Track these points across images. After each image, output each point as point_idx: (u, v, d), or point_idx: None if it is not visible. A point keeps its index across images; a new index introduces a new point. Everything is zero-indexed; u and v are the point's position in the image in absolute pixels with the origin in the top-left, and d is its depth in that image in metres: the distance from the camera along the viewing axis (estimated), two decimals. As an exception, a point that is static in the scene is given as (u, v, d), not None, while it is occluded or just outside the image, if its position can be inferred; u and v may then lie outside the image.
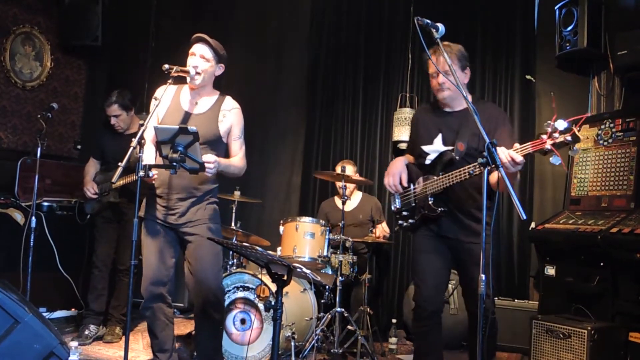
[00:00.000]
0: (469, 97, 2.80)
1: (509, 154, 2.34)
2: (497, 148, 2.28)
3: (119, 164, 2.58)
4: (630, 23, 3.93)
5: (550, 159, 2.25)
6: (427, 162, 2.87)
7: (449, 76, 2.64)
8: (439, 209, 2.78)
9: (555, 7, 4.32)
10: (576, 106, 4.41)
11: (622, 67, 4.01)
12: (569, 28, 4.16)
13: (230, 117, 2.99)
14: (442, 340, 2.89)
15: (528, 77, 4.64)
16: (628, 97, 4.10)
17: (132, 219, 3.82)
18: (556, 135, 2.25)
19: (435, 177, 2.79)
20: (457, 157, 2.73)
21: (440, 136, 2.84)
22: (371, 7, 5.45)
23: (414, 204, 2.92)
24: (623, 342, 3.24)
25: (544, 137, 2.28)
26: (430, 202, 2.80)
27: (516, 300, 4.23)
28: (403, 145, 4.95)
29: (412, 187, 2.94)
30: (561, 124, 2.22)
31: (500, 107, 2.82)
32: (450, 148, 2.78)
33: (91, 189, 4.17)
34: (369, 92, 5.42)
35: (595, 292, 3.46)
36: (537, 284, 4.27)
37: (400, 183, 2.92)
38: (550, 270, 3.79)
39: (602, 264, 3.43)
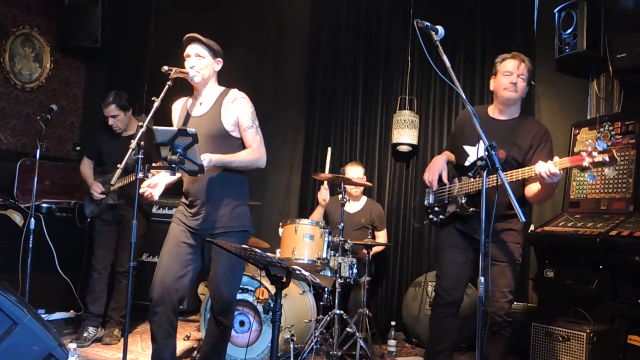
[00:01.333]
0: (518, 112, 3.01)
1: (547, 165, 2.53)
2: (539, 162, 2.58)
3: (118, 165, 2.58)
4: (629, 26, 3.93)
5: (587, 175, 2.56)
6: (467, 163, 2.98)
7: (522, 82, 2.90)
8: (470, 209, 2.90)
9: (555, 10, 4.33)
10: (575, 109, 4.42)
11: (621, 70, 4.01)
12: (569, 31, 4.17)
13: (234, 108, 2.91)
14: (456, 330, 3.01)
15: (527, 79, 4.64)
16: (627, 100, 4.10)
17: (131, 221, 3.83)
18: (595, 154, 2.42)
19: (472, 179, 2.89)
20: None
21: None
22: (371, 8, 5.45)
23: (446, 202, 3.07)
24: (622, 344, 3.25)
25: (584, 154, 2.46)
26: (462, 202, 2.92)
27: (515, 303, 4.23)
28: (403, 148, 4.95)
29: (448, 184, 3.07)
30: (601, 145, 2.41)
31: (543, 125, 3.07)
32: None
33: (98, 189, 4.15)
34: (368, 94, 5.42)
35: (594, 295, 3.46)
36: (536, 287, 4.27)
37: (440, 180, 3.06)
38: (550, 273, 3.79)
39: (601, 266, 3.43)
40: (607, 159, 2.39)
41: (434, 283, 3.77)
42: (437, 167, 3.07)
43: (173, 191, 3.27)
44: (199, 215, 2.87)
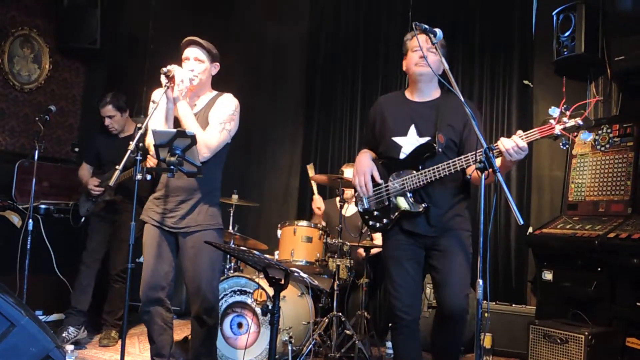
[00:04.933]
0: (439, 91, 2.77)
1: (513, 139, 2.28)
2: (502, 138, 2.32)
3: (116, 166, 2.57)
4: (627, 29, 3.94)
5: (560, 144, 2.27)
6: (402, 155, 2.69)
7: (431, 54, 2.58)
8: (423, 205, 2.61)
9: (553, 13, 4.34)
10: (574, 111, 4.42)
11: (620, 73, 4.02)
12: (567, 34, 4.18)
13: (218, 104, 2.90)
14: (420, 344, 2.77)
15: (526, 82, 4.65)
16: (625, 103, 4.11)
17: (125, 221, 3.83)
18: (565, 119, 2.23)
19: (414, 172, 2.62)
20: (439, 150, 2.59)
21: (413, 127, 2.69)
22: (369, 11, 5.46)
23: (387, 203, 2.72)
24: (620, 347, 3.25)
25: (552, 122, 2.25)
26: (411, 199, 2.64)
27: (513, 305, 4.23)
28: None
29: (383, 184, 2.73)
30: (570, 108, 2.22)
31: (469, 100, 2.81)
32: (427, 140, 2.64)
33: (94, 184, 4.12)
34: (367, 96, 5.42)
35: (593, 297, 3.47)
36: (535, 289, 4.27)
37: (373, 180, 2.73)
38: (548, 275, 3.80)
39: (599, 269, 3.44)
40: (580, 122, 2.20)
41: (432, 285, 3.65)
42: (367, 168, 2.74)
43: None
44: (175, 212, 2.87)
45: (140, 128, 2.63)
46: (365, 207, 2.81)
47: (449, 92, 2.46)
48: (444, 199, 2.67)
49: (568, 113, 2.23)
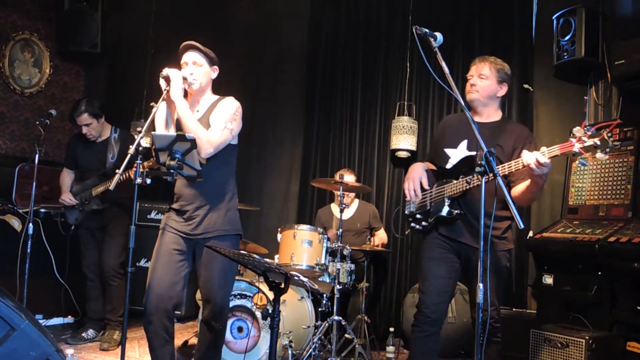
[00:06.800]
0: (499, 114, 2.97)
1: (535, 154, 2.44)
2: (524, 151, 2.52)
3: (117, 171, 2.58)
4: (628, 33, 3.94)
5: (578, 161, 2.48)
6: (449, 165, 2.91)
7: (483, 81, 2.88)
8: (455, 212, 2.80)
9: (553, 17, 4.33)
10: (574, 115, 4.42)
11: (620, 77, 4.01)
12: (567, 37, 4.18)
13: (218, 107, 2.89)
14: (438, 349, 2.87)
15: (526, 86, 4.66)
16: (625, 107, 4.11)
17: (112, 218, 3.96)
18: (585, 139, 2.39)
19: (454, 181, 2.81)
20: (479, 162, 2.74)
21: (465, 142, 2.89)
22: (369, 15, 5.47)
23: (428, 207, 2.95)
24: (621, 351, 3.24)
25: (573, 140, 2.42)
26: (447, 204, 2.83)
27: (514, 309, 4.23)
28: (401, 154, 4.96)
29: (429, 189, 2.97)
30: (590, 130, 2.40)
31: (527, 128, 3.03)
32: (473, 153, 2.80)
33: (67, 199, 4.19)
34: (367, 101, 5.43)
35: (593, 301, 3.46)
36: (535, 293, 4.27)
37: (421, 187, 2.94)
38: (548, 279, 3.79)
39: (599, 273, 3.43)
40: (597, 142, 2.36)
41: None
42: (417, 174, 2.95)
43: (169, 196, 3.24)
44: (192, 219, 2.86)
45: (140, 131, 2.63)
46: (411, 210, 3.05)
47: (509, 119, 2.81)
48: (480, 210, 2.71)
49: (588, 133, 2.38)
